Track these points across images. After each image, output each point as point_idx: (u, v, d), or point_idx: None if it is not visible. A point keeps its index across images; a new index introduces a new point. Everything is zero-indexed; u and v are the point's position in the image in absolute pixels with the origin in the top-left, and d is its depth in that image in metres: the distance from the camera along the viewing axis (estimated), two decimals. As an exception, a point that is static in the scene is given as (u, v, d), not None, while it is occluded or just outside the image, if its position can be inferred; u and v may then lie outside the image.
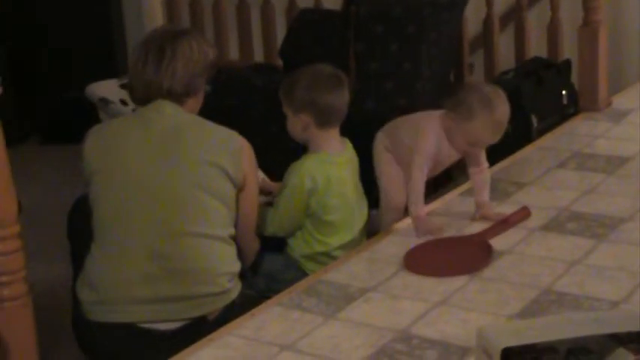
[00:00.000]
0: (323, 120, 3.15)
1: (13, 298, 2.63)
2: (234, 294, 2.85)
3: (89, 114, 4.18)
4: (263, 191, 3.24)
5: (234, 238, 2.91)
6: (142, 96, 2.93)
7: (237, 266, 2.88)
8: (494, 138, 3.12)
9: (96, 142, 2.90)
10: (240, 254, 2.94)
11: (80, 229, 2.96)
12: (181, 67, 2.88)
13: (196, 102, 2.97)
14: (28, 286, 2.69)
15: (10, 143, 2.64)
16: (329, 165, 3.16)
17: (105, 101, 4.12)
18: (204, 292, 2.79)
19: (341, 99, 3.17)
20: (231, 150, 2.88)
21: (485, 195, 3.25)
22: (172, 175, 2.80)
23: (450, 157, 3.23)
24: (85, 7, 5.49)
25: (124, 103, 4.10)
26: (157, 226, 2.78)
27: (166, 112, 2.87)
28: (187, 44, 2.91)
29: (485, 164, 3.25)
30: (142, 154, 2.83)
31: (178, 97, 2.89)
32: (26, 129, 5.58)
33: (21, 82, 5.42)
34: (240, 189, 2.91)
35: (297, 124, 3.17)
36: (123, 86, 4.13)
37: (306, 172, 3.12)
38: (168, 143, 2.83)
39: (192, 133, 2.87)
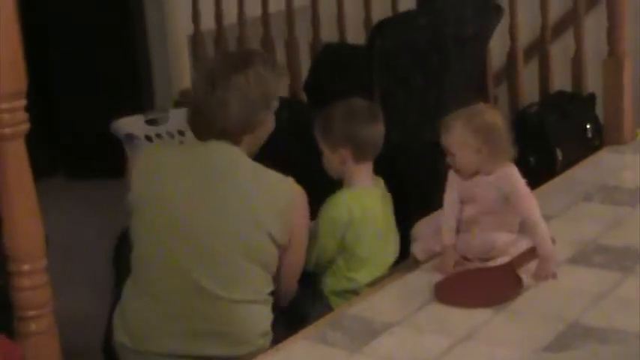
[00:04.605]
0: (360, 154, 3.13)
1: (39, 332, 2.63)
2: (267, 345, 2.80)
3: (115, 149, 4.19)
4: None
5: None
6: (200, 130, 2.84)
7: (271, 318, 2.83)
8: None
9: (143, 169, 2.82)
10: (278, 293, 2.89)
11: (126, 256, 2.91)
12: (236, 106, 2.76)
13: (254, 137, 2.85)
14: (55, 320, 2.69)
15: (37, 177, 2.66)
16: (364, 198, 3.14)
17: (130, 137, 4.13)
18: (238, 352, 2.74)
19: (378, 133, 3.17)
20: (280, 209, 2.77)
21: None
22: (214, 230, 2.72)
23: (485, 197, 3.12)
24: (111, 42, 5.53)
25: (148, 139, 4.11)
26: (192, 285, 2.72)
27: (218, 154, 2.77)
28: (243, 78, 2.75)
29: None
30: (186, 197, 2.74)
31: (234, 136, 2.79)
32: (53, 163, 5.61)
33: (48, 117, 5.46)
34: (285, 246, 2.83)
35: (335, 159, 3.14)
36: (148, 122, 4.15)
37: (343, 204, 3.11)
38: (213, 191, 2.73)
39: (240, 184, 2.77)
